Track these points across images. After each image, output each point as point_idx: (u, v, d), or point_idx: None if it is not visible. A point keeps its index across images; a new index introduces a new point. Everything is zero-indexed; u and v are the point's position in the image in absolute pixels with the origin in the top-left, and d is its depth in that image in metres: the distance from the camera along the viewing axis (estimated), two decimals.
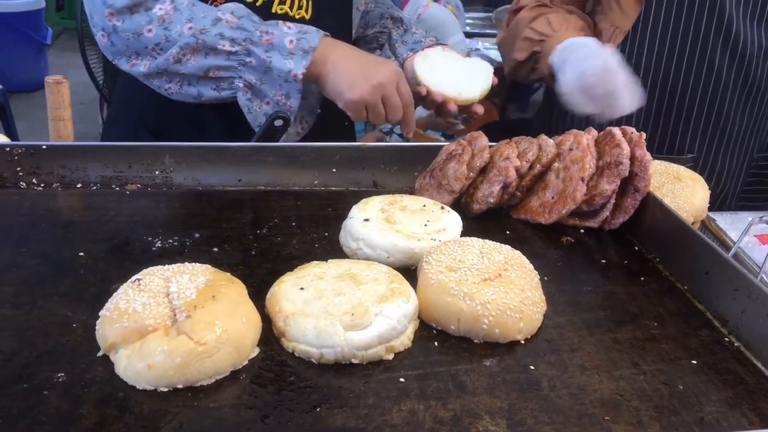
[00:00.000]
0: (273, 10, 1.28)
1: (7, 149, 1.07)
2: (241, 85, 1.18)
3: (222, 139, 1.18)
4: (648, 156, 1.01)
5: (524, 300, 0.80)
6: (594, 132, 1.08)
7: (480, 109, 1.35)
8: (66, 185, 1.09)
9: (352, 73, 1.19)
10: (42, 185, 1.08)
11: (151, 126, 1.36)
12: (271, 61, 1.16)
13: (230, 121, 1.26)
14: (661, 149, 1.57)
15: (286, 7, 1.29)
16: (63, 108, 1.12)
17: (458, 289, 0.80)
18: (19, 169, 1.08)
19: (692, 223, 1.21)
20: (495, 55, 4.15)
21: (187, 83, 1.19)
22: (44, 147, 1.09)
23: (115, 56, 1.19)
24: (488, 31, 4.51)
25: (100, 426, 0.63)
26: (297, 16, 1.31)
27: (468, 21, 4.57)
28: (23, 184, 1.07)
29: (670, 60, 1.49)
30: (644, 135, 1.03)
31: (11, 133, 3.80)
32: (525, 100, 5.76)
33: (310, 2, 1.31)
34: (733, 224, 1.33)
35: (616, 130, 1.04)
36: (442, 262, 0.83)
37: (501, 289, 0.80)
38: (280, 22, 1.20)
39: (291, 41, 1.17)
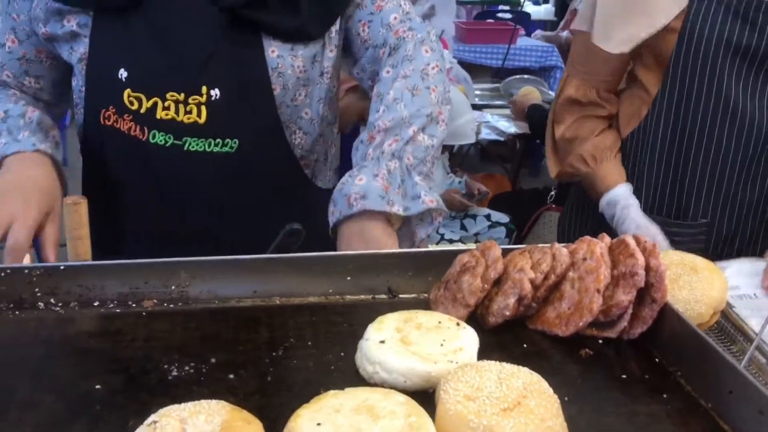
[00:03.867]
0: (158, 116, 1.32)
1: (26, 271, 1.09)
2: None
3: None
4: (663, 266, 1.01)
5: (545, 431, 0.79)
6: (607, 239, 1.08)
7: None
8: (83, 304, 1.09)
9: None
10: (60, 305, 1.08)
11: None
12: None
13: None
14: (677, 216, 1.68)
15: (172, 113, 1.32)
16: (81, 227, 1.14)
17: (477, 421, 0.78)
18: (37, 290, 1.09)
19: (711, 315, 1.20)
20: (504, 126, 4.22)
21: None
22: (62, 267, 1.10)
23: None
24: (497, 102, 4.59)
25: None
26: (187, 121, 1.32)
27: (477, 92, 4.66)
28: (41, 305, 1.08)
29: (681, 139, 1.62)
30: (658, 245, 1.03)
31: None
32: (536, 167, 5.82)
33: (202, 107, 1.32)
34: (753, 311, 1.31)
35: (630, 240, 1.04)
36: (460, 390, 0.82)
37: (521, 420, 0.79)
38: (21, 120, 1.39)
39: None
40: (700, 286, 1.22)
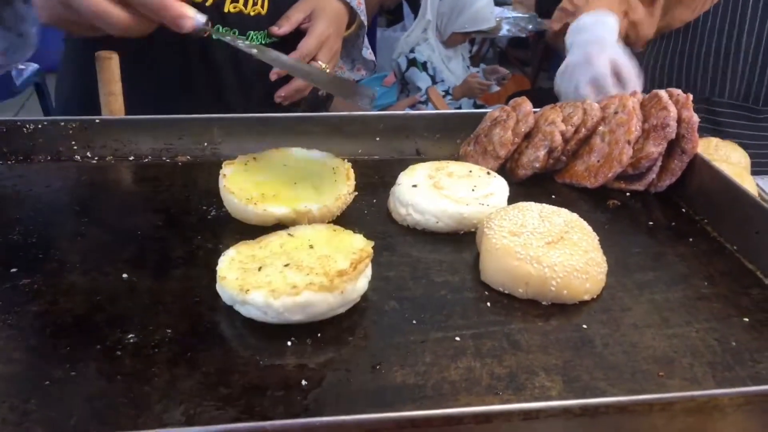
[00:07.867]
0: (225, 10, 1.27)
1: (62, 123, 1.11)
2: None
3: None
4: (695, 117, 1.01)
5: (588, 261, 0.81)
6: (639, 95, 1.08)
7: None
8: (119, 158, 1.11)
9: None
10: (96, 158, 1.11)
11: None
12: None
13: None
14: None
15: (240, 5, 1.28)
16: (113, 82, 1.14)
17: (524, 253, 0.80)
18: (73, 143, 1.11)
19: None
20: (525, 22, 4.12)
21: None
22: (97, 121, 1.12)
23: None
24: None
25: (172, 384, 0.66)
26: (252, 13, 1.30)
27: None
28: (78, 158, 1.10)
29: None
30: (691, 96, 1.03)
31: (48, 112, 3.87)
32: (556, 69, 5.71)
33: None
34: None
35: (663, 93, 1.04)
36: (504, 227, 0.84)
37: (566, 251, 0.81)
38: None
39: None
40: (718, 155, 1.27)
